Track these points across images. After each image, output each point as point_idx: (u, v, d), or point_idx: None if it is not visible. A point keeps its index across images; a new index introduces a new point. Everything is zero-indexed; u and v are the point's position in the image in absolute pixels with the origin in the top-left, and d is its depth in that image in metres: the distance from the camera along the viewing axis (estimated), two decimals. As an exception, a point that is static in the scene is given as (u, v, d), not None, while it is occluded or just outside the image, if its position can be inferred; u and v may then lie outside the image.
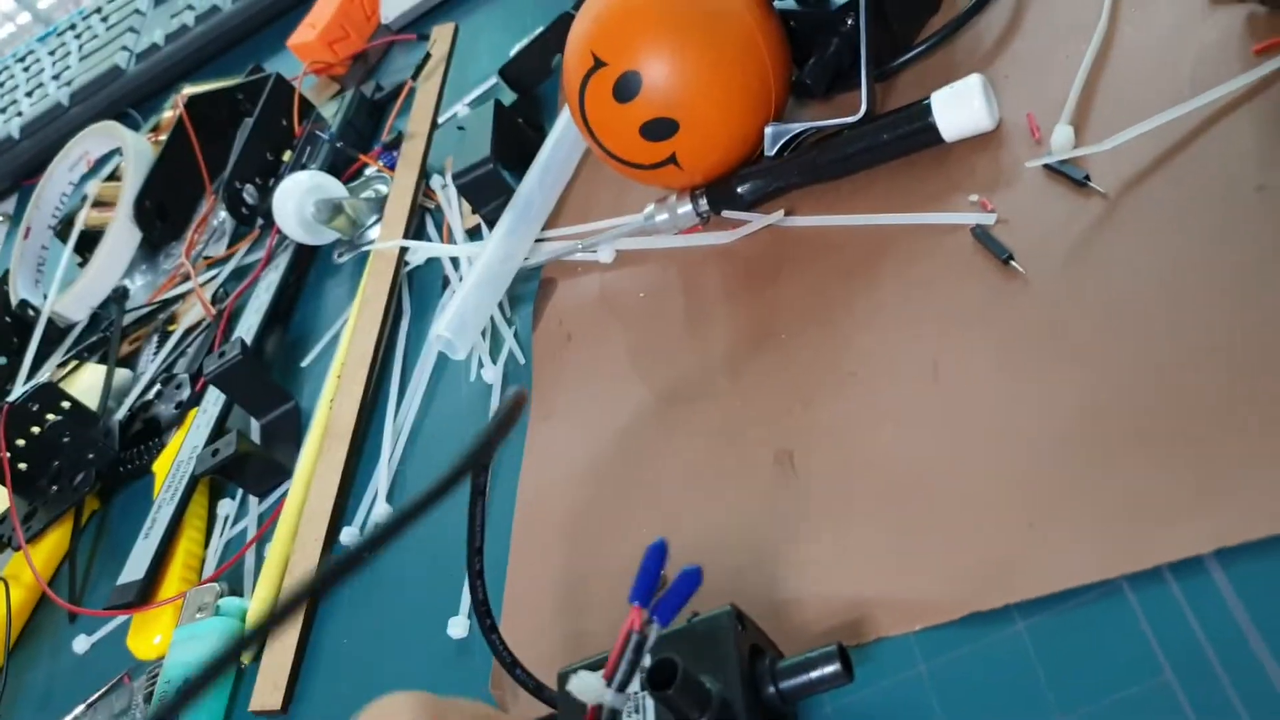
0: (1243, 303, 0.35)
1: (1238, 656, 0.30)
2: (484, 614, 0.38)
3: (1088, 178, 0.42)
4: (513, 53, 0.70)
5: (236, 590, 0.57)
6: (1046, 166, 0.43)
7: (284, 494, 0.59)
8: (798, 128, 0.50)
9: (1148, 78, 0.44)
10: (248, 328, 0.70)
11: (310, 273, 0.75)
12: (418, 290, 0.65)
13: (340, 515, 0.56)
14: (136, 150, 0.89)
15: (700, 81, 0.48)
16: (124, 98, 1.13)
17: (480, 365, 0.56)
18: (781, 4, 0.52)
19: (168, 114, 0.97)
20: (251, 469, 0.60)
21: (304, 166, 0.75)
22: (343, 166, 0.76)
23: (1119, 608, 0.32)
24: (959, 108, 0.46)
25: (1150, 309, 0.37)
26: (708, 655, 0.33)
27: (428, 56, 0.78)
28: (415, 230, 0.68)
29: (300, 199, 0.68)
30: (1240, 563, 0.31)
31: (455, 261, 0.63)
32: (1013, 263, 0.41)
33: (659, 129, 0.49)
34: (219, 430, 0.65)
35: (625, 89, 0.48)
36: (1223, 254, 0.37)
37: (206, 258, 0.83)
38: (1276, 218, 0.36)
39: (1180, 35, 0.44)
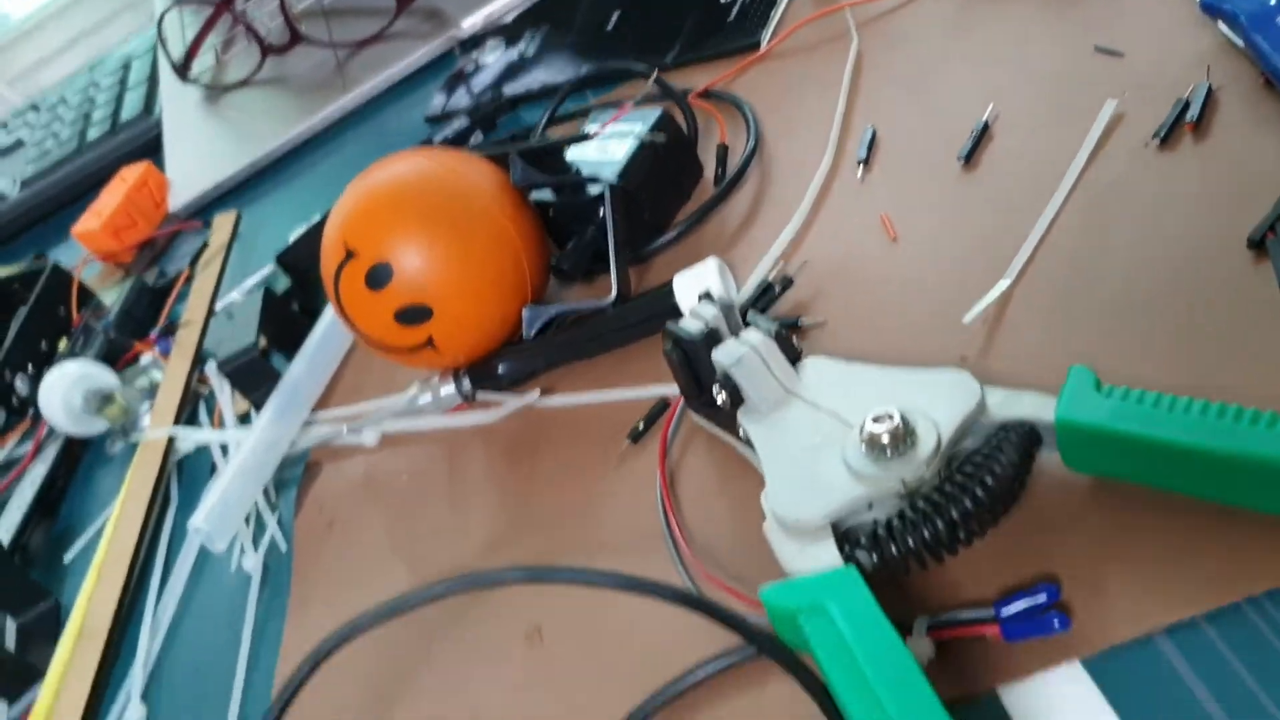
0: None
1: None
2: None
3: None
4: (290, 239, 0.71)
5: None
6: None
7: (35, 698, 0.56)
8: (553, 311, 0.52)
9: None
10: (8, 525, 0.67)
11: (82, 463, 0.73)
12: (187, 478, 0.64)
13: (92, 718, 0.53)
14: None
15: (450, 271, 0.49)
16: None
17: (241, 553, 0.55)
18: (540, 195, 0.54)
19: (-57, 305, 0.94)
20: (-3, 673, 0.57)
21: (76, 356, 0.73)
22: (119, 354, 0.74)
23: None
24: (698, 290, 0.48)
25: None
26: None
27: (205, 244, 0.78)
28: (187, 416, 0.67)
29: (67, 390, 0.67)
30: None
31: (225, 448, 0.62)
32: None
33: (413, 315, 0.50)
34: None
35: (377, 278, 0.49)
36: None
37: (-25, 451, 0.80)
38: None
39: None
